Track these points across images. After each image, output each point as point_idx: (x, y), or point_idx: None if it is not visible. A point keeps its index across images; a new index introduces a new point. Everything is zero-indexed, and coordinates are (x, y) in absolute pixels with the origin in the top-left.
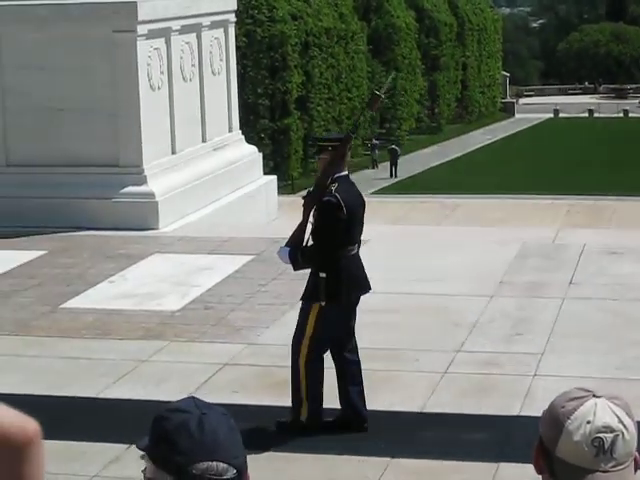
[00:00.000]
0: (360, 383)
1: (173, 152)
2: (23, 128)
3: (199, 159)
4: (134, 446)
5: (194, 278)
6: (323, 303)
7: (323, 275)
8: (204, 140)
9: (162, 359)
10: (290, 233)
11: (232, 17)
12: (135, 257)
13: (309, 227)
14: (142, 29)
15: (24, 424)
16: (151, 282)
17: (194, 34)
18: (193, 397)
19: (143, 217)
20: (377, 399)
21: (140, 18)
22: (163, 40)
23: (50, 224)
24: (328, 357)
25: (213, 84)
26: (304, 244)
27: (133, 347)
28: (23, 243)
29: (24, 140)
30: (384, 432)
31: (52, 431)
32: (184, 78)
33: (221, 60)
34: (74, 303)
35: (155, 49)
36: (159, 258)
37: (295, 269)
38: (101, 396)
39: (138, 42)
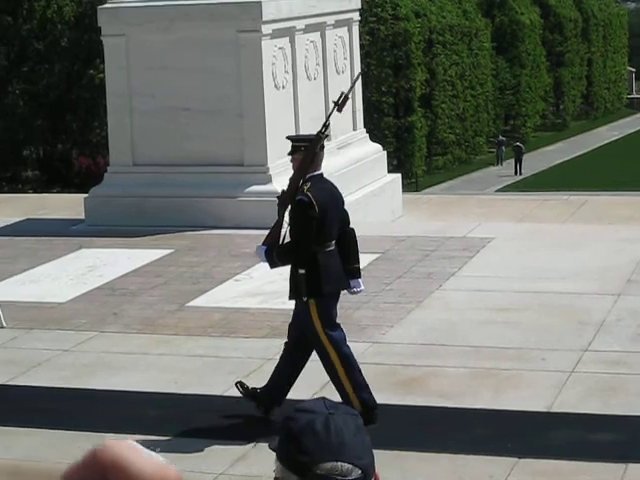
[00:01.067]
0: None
1: None
2: (149, 128)
3: (323, 158)
4: (260, 444)
5: None
6: (305, 299)
7: (302, 271)
8: (328, 139)
9: None
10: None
11: (356, 16)
12: None
13: (285, 225)
14: (267, 29)
15: (167, 474)
16: (276, 280)
17: (318, 33)
18: (324, 398)
19: (268, 216)
20: (503, 398)
21: (265, 18)
22: (287, 39)
23: (176, 223)
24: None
25: (337, 83)
26: (280, 242)
27: (259, 345)
28: (150, 242)
29: (150, 140)
30: (511, 432)
31: (179, 429)
32: (308, 77)
33: (345, 59)
34: (200, 301)
35: (280, 48)
36: None
37: (271, 267)
38: (227, 394)
39: (263, 42)
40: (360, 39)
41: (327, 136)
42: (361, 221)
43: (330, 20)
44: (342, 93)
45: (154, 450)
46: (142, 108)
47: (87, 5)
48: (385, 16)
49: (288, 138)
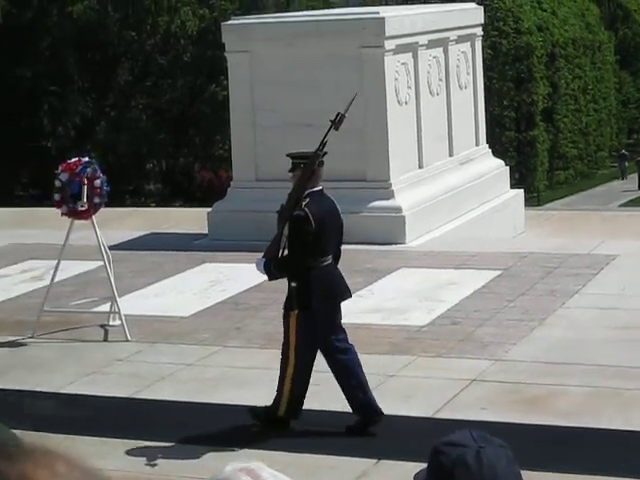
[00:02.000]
0: (357, 376)
1: (420, 166)
2: (272, 144)
3: (446, 173)
4: (383, 461)
5: (441, 293)
6: (296, 311)
7: (294, 285)
8: (451, 154)
9: (409, 374)
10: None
11: (479, 31)
12: (382, 271)
13: (284, 239)
14: (390, 44)
15: None
16: (398, 296)
17: (441, 48)
18: (469, 429)
19: (390, 231)
20: (629, 418)
21: (388, 33)
22: (410, 55)
23: None
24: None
25: (460, 98)
26: (279, 255)
27: (380, 361)
28: None
29: (273, 155)
30: (635, 452)
31: (302, 445)
32: (431, 92)
33: (468, 74)
34: None
35: (402, 64)
36: (406, 272)
37: (270, 279)
38: (348, 410)
39: (386, 57)
40: (482, 53)
41: (325, 154)
42: (483, 237)
43: (453, 35)
44: (339, 113)
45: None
46: (265, 124)
47: (210, 20)
48: (507, 30)
49: (288, 155)
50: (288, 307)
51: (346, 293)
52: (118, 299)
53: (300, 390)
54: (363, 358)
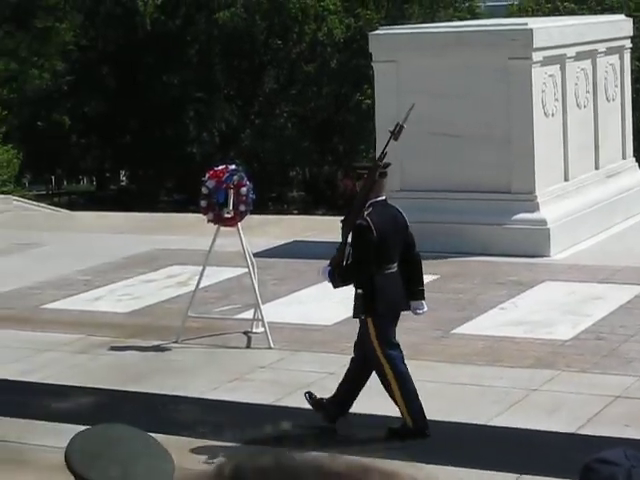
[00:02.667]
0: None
1: (565, 179)
2: (417, 154)
3: (591, 186)
4: (524, 476)
5: (585, 307)
6: (363, 317)
7: (360, 292)
8: (597, 167)
9: (553, 389)
10: None
11: (628, 43)
12: (526, 284)
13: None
14: (537, 56)
15: None
16: (542, 310)
17: (589, 60)
18: (624, 448)
19: (534, 244)
20: None
21: (536, 45)
22: (558, 67)
23: (441, 249)
24: None
25: (607, 110)
26: (344, 263)
27: (523, 375)
28: None
29: (418, 165)
30: None
31: (438, 457)
32: (578, 105)
33: (616, 86)
34: (465, 329)
35: (550, 76)
36: (550, 286)
37: (334, 287)
38: (490, 424)
39: (533, 69)
40: (630, 65)
41: (388, 165)
42: (629, 251)
43: (601, 47)
44: (397, 123)
45: None
46: (411, 133)
47: (356, 29)
48: None
49: (352, 167)
50: (357, 314)
51: (404, 303)
52: (261, 306)
53: (411, 394)
54: (506, 371)
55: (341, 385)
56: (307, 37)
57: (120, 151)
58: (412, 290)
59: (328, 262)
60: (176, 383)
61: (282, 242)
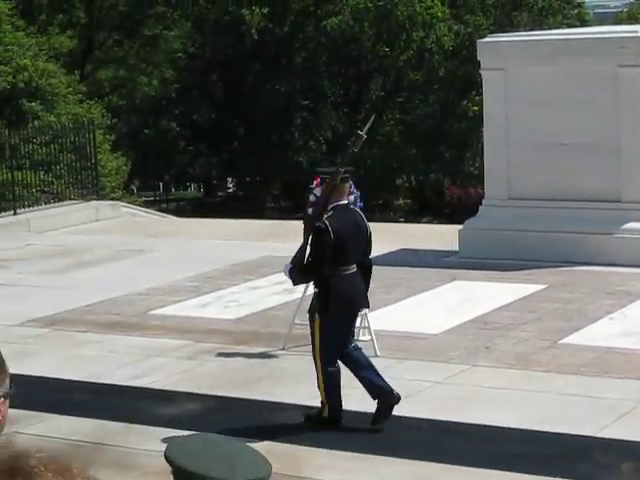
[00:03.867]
0: (369, 365)
1: None
2: (526, 162)
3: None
4: None
5: None
6: (317, 315)
7: (316, 291)
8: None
9: None
10: None
11: None
12: (635, 294)
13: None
14: None
15: None
16: None
17: None
18: None
19: None
20: None
21: None
22: None
23: (549, 258)
24: None
25: None
26: (304, 262)
27: (633, 386)
28: (523, 276)
29: (526, 174)
30: None
31: (549, 469)
32: None
33: None
34: (573, 339)
35: None
36: None
37: (294, 284)
38: (599, 435)
39: None
40: None
41: (349, 171)
42: None
43: None
44: (357, 132)
45: None
46: (519, 142)
47: (464, 36)
48: None
49: (316, 171)
50: (312, 312)
51: (362, 303)
52: (368, 314)
53: (334, 389)
54: (614, 382)
55: (363, 380)
56: (414, 44)
57: (227, 158)
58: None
59: (290, 260)
60: (282, 390)
61: (388, 250)
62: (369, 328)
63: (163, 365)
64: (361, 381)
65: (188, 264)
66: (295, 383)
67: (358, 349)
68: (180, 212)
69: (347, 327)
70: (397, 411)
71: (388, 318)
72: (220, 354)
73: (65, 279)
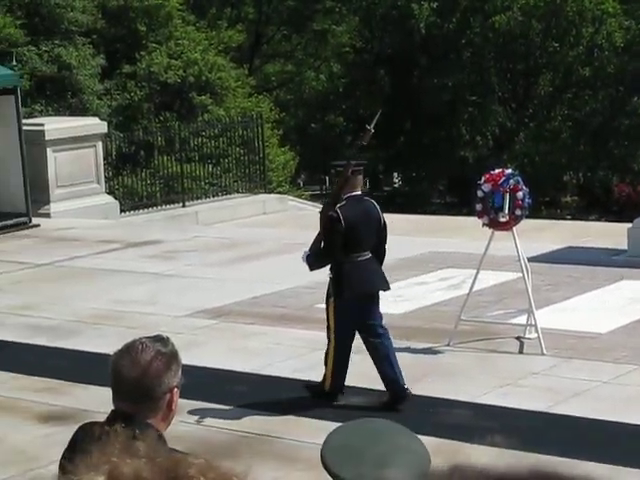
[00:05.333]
0: (387, 357)
1: None
2: None
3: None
4: None
5: None
6: (331, 300)
7: (330, 276)
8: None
9: None
10: None
11: None
12: None
13: None
14: None
15: None
16: None
17: None
18: None
19: None
20: None
21: None
22: None
23: None
24: None
25: None
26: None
27: None
28: None
29: None
30: None
31: None
32: None
33: None
34: None
35: None
36: None
37: (310, 269)
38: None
39: None
40: None
41: (361, 163)
42: None
43: None
44: (365, 126)
45: None
46: None
47: (636, 32)
48: None
49: (331, 165)
50: (327, 296)
51: (377, 285)
52: (535, 312)
53: (341, 368)
54: None
55: (378, 370)
56: (584, 40)
57: (393, 153)
58: None
59: (308, 248)
60: (448, 387)
61: (556, 247)
62: (536, 326)
63: None
64: (377, 370)
65: None
66: (461, 379)
67: (382, 336)
68: None
69: (363, 311)
70: (564, 410)
71: (554, 316)
72: None
73: (232, 271)
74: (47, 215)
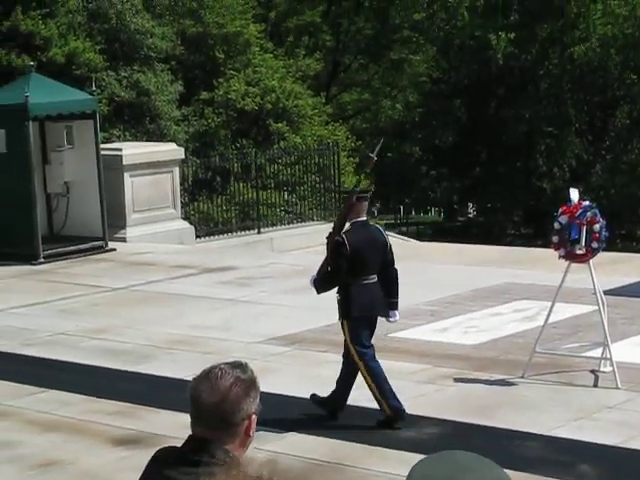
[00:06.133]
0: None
1: None
2: None
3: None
4: None
5: None
6: (344, 322)
7: (338, 298)
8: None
9: None
10: None
11: None
12: None
13: None
14: None
15: None
16: None
17: None
18: None
19: None
20: None
21: None
22: None
23: None
24: None
25: None
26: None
27: None
28: None
29: None
30: None
31: None
32: None
33: None
34: None
35: None
36: None
37: (317, 293)
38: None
39: None
40: None
41: (366, 190)
42: None
43: None
44: (367, 154)
45: None
46: None
47: None
48: None
49: (340, 191)
50: (340, 319)
51: (379, 311)
52: (610, 345)
53: (382, 382)
54: None
55: (337, 382)
56: None
57: (469, 183)
58: (389, 301)
59: (316, 272)
60: (523, 419)
61: (632, 280)
62: (611, 359)
63: (402, 388)
64: (337, 385)
65: (428, 288)
66: (537, 412)
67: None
68: (420, 236)
69: (367, 331)
70: (637, 445)
71: (630, 350)
72: (459, 379)
73: (306, 298)
74: (123, 239)
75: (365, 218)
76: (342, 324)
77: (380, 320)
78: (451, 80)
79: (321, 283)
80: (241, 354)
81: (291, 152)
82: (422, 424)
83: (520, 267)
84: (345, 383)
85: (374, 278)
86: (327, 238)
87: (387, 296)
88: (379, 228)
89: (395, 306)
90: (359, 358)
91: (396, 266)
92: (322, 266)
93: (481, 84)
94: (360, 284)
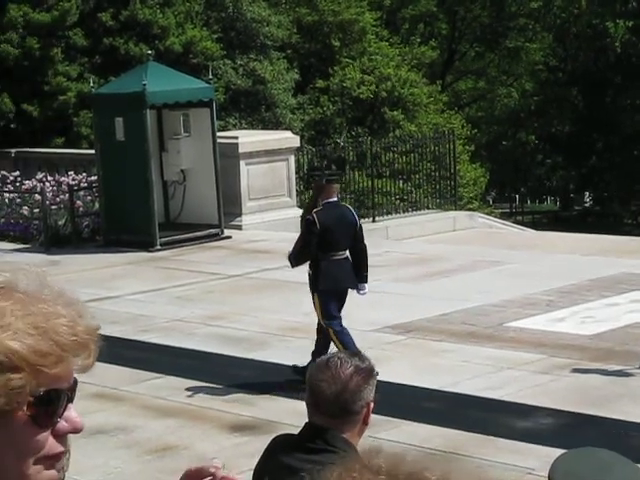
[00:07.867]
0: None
1: None
2: None
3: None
4: None
5: None
6: (314, 294)
7: (309, 272)
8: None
9: None
10: None
11: None
12: None
13: None
14: None
15: None
16: None
17: None
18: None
19: None
20: None
21: None
22: None
23: None
24: None
25: None
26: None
27: None
28: None
29: None
30: None
31: None
32: None
33: None
34: None
35: None
36: None
37: (292, 267)
38: None
39: None
40: None
41: (334, 173)
42: None
43: None
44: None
45: None
46: None
47: None
48: None
49: (311, 175)
50: (311, 291)
51: (348, 284)
52: None
53: (349, 341)
54: None
55: (313, 353)
56: None
57: (586, 172)
58: (358, 275)
59: (292, 248)
60: (639, 410)
61: None
62: None
63: (516, 378)
64: (313, 355)
65: (544, 278)
66: None
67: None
68: (536, 225)
69: (336, 303)
70: None
71: None
72: (575, 370)
73: (421, 287)
74: (239, 227)
75: (336, 199)
76: (313, 297)
77: (494, 308)
78: (567, 68)
79: (294, 257)
80: (357, 342)
81: (406, 140)
82: (537, 414)
83: (638, 257)
84: (321, 351)
85: (344, 254)
86: (301, 217)
87: (357, 270)
88: (350, 209)
89: (365, 279)
90: (327, 325)
91: (366, 242)
92: (296, 243)
93: (598, 72)
94: (330, 259)
